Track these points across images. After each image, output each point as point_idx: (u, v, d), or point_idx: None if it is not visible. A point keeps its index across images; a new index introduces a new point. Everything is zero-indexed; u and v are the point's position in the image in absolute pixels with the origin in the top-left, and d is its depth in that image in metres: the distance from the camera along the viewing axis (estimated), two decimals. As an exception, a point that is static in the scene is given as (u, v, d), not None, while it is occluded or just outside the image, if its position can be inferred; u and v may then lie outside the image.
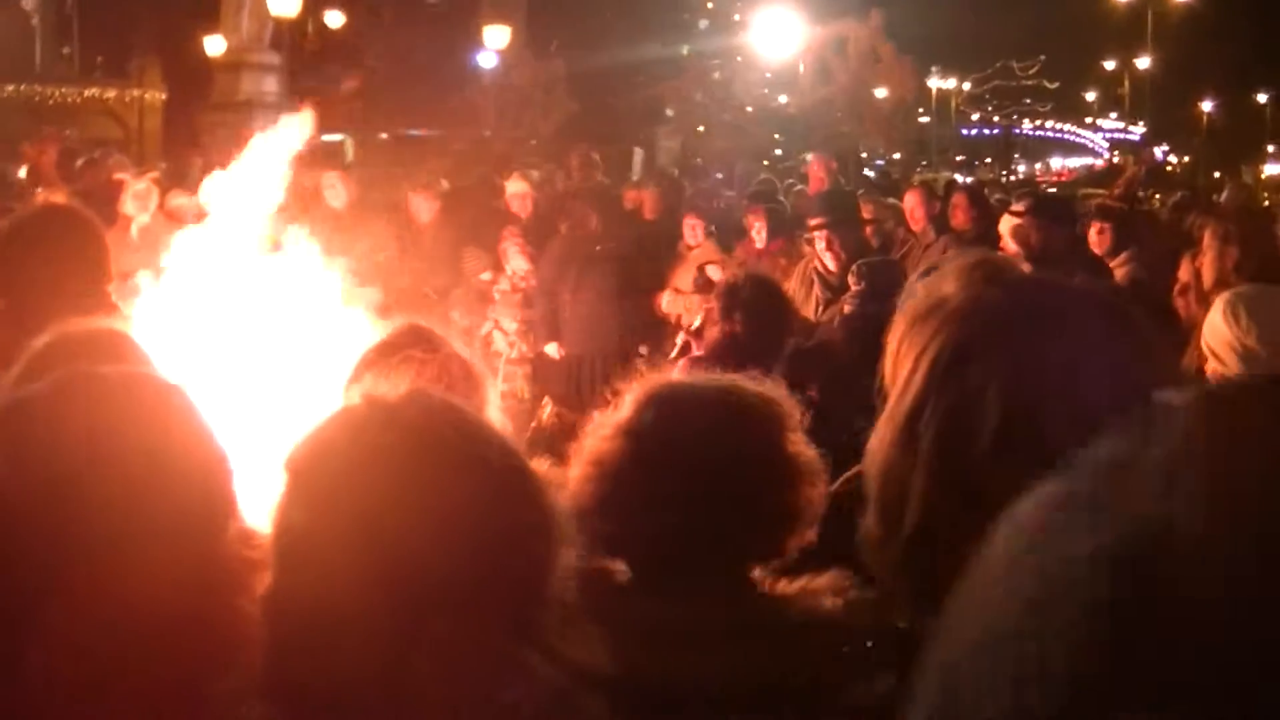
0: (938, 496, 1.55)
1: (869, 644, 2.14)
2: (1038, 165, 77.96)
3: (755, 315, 5.89)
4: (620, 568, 2.35)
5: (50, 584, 2.18)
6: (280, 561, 1.77)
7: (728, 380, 2.47)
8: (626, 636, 2.11)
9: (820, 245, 7.99)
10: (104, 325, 3.06)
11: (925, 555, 1.55)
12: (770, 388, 2.46)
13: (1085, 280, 2.15)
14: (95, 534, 2.08)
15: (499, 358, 10.72)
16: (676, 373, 2.56)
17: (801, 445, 2.41)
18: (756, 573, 2.37)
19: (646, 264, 10.97)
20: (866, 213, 9.61)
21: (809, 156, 16.36)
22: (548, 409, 4.33)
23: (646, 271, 10.88)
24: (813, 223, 8.24)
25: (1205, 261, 5.37)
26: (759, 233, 10.31)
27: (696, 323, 7.00)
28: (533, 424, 9.34)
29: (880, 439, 1.63)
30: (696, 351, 6.52)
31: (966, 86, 70.69)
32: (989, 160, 72.16)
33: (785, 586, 2.34)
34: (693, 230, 10.85)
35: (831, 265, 7.88)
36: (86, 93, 32.11)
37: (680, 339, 7.21)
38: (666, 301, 10.36)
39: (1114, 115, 78.81)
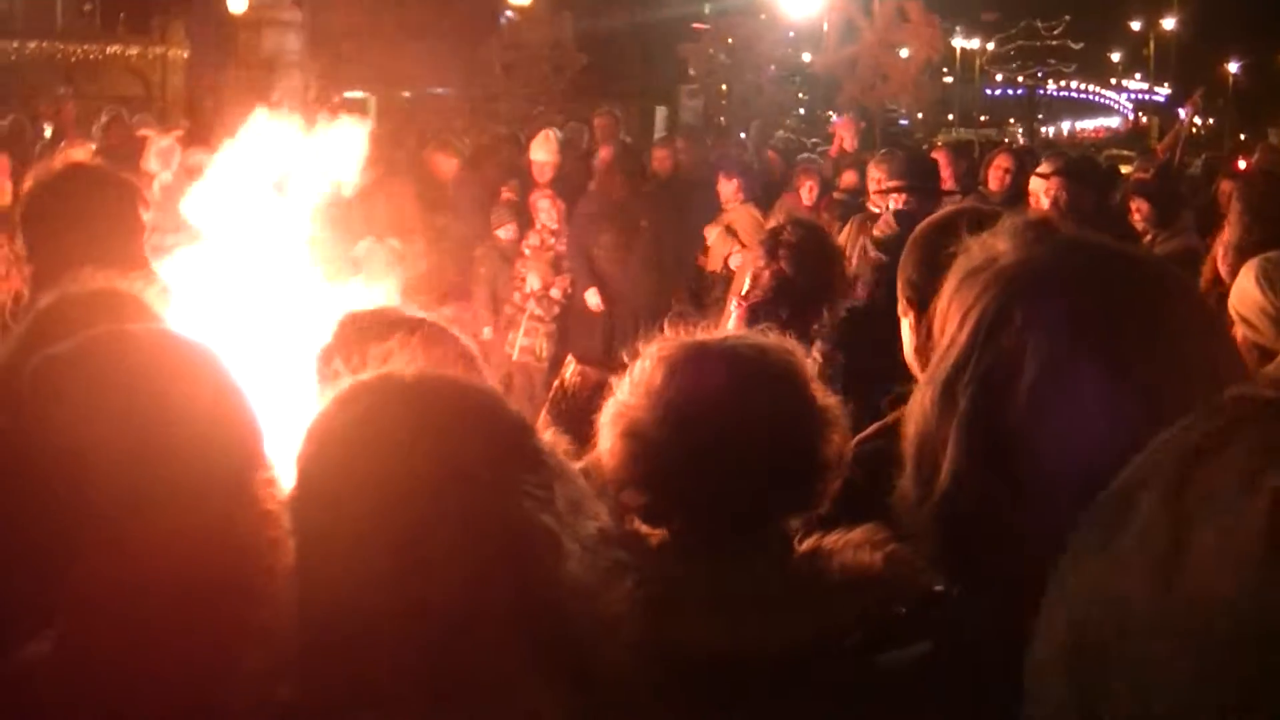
0: (968, 461, 1.53)
1: (903, 610, 2.11)
2: (1064, 126, 77.65)
3: (802, 255, 5.93)
4: (656, 533, 2.33)
5: (77, 545, 2.18)
6: (302, 537, 1.77)
7: (740, 337, 2.46)
8: (663, 599, 2.10)
9: (894, 206, 8.05)
10: (108, 285, 3.04)
11: (955, 519, 1.54)
12: (783, 339, 2.45)
13: (1138, 247, 2.11)
14: (124, 494, 2.07)
15: (522, 314, 10.74)
16: (734, 323, 2.55)
17: (823, 394, 2.41)
18: (794, 525, 2.35)
19: (677, 221, 11.00)
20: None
21: (834, 116, 16.32)
22: (571, 368, 4.33)
23: (677, 229, 10.91)
24: (890, 184, 8.27)
25: (1227, 224, 5.34)
26: (810, 191, 10.37)
27: (745, 288, 6.99)
28: (555, 383, 9.37)
29: (920, 399, 1.61)
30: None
31: (991, 46, 70.43)
32: (1012, 121, 71.86)
33: (823, 541, 2.33)
34: (732, 189, 10.87)
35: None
36: (109, 50, 32.13)
37: (734, 305, 7.23)
38: (714, 237, 10.41)
39: (1139, 76, 78.40)
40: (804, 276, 5.90)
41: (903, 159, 10.06)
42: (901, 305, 3.16)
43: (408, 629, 1.67)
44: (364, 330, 2.74)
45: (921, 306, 3.07)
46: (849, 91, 25.10)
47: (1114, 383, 1.49)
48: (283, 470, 1.89)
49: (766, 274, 6.17)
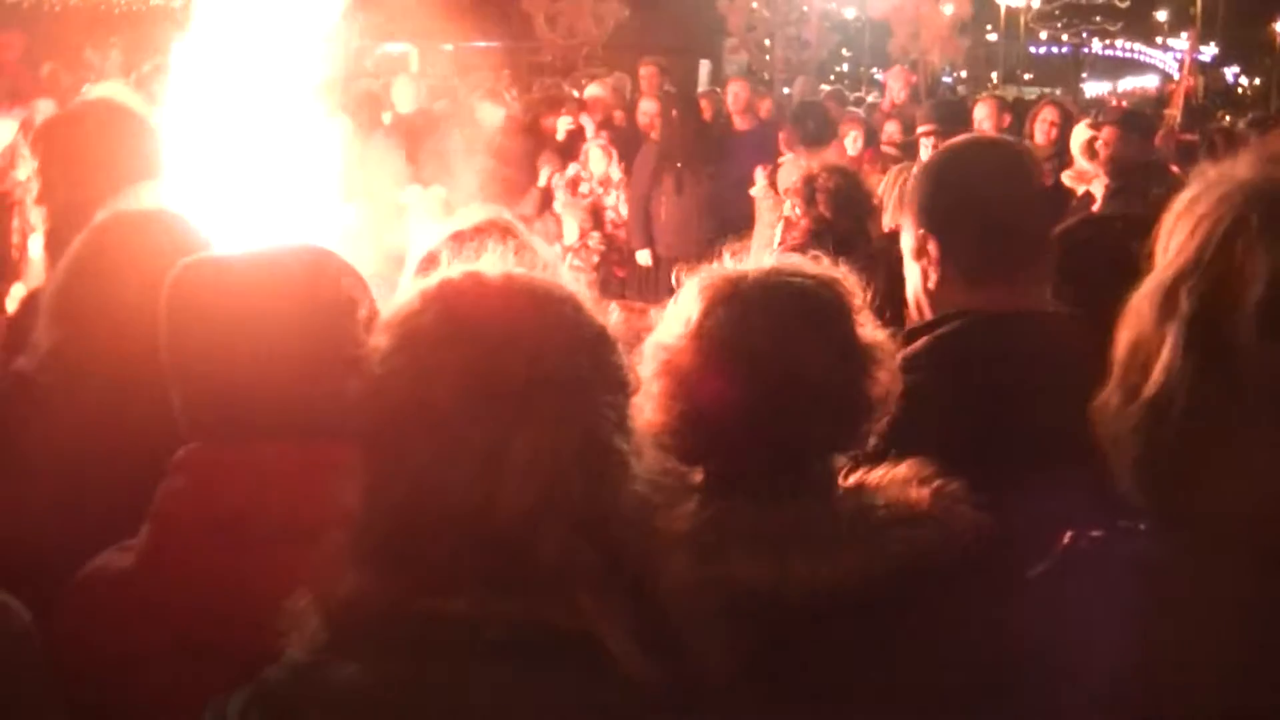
0: (1183, 361, 1.53)
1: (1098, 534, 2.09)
2: (1107, 85, 76.78)
3: (837, 198, 5.94)
4: (697, 473, 2.34)
5: (170, 461, 2.23)
6: (379, 428, 1.78)
7: (789, 266, 2.42)
8: (703, 537, 2.12)
9: (927, 154, 8.01)
10: (159, 207, 3.09)
11: (1159, 422, 1.54)
12: (831, 269, 2.43)
13: None
14: (241, 422, 2.20)
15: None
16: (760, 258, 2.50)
17: (870, 328, 2.40)
18: (839, 462, 2.36)
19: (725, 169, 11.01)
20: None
21: (876, 71, 16.26)
22: (615, 314, 4.37)
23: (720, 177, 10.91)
24: (922, 129, 8.24)
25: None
26: (855, 141, 10.34)
27: (776, 238, 7.01)
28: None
29: (1137, 304, 1.62)
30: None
31: (1036, 4, 69.67)
32: (1056, 82, 71.11)
33: (868, 477, 2.33)
34: (786, 142, 10.87)
35: None
36: (153, 1, 32.13)
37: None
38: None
39: (1185, 35, 77.36)
40: (840, 221, 5.94)
41: (933, 104, 10.04)
42: (915, 242, 3.10)
43: (476, 524, 1.69)
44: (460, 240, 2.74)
45: (941, 234, 3.04)
46: (899, 40, 24.92)
47: None
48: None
49: (804, 220, 6.20)
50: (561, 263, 2.28)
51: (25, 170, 9.30)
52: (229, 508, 2.19)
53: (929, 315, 3.04)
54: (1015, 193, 3.09)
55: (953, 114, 8.96)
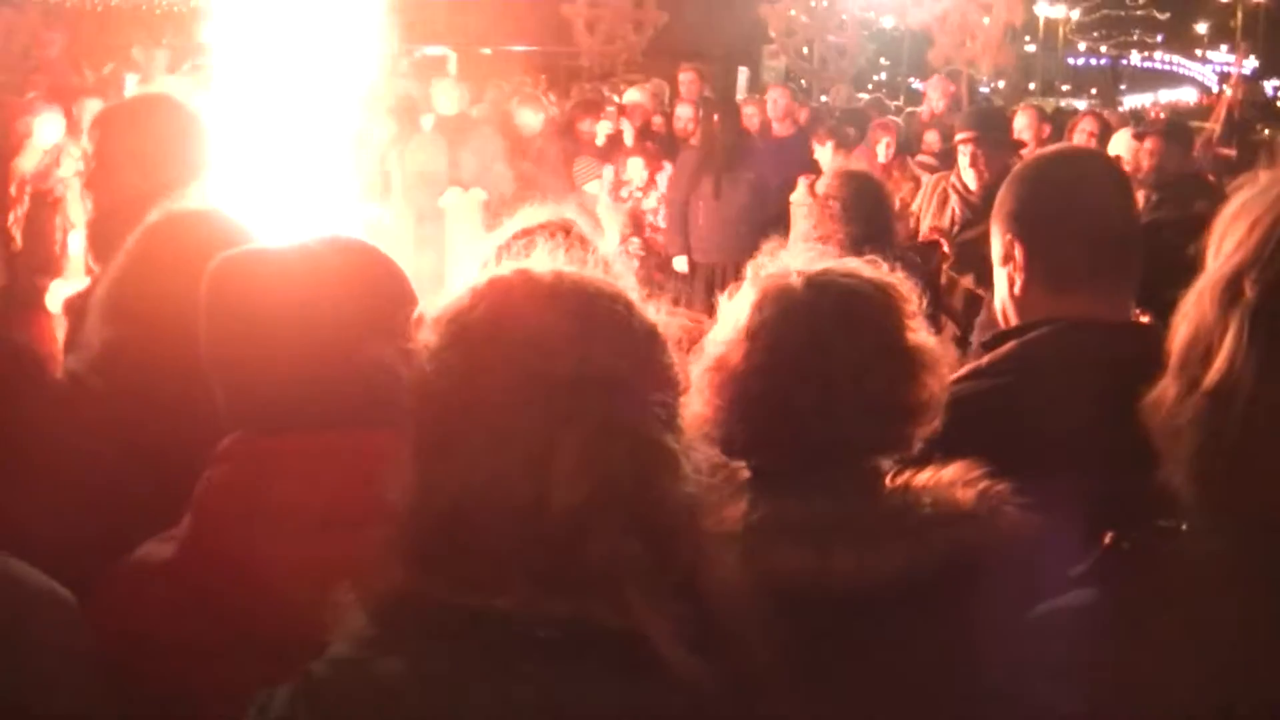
0: (1249, 352, 1.53)
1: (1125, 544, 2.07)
2: (1146, 98, 76.52)
3: (848, 206, 5.98)
4: (743, 470, 2.35)
5: (212, 452, 2.24)
6: (428, 426, 1.78)
7: (844, 269, 2.45)
8: (753, 537, 2.12)
9: (964, 160, 7.94)
10: (210, 206, 3.11)
11: (1220, 412, 1.53)
12: (887, 274, 2.44)
13: None
14: (280, 413, 2.21)
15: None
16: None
17: (922, 333, 2.41)
18: (885, 464, 2.36)
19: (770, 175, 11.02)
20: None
21: (914, 80, 16.25)
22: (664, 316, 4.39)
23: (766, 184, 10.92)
24: (960, 136, 8.19)
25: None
26: (888, 147, 10.32)
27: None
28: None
29: (1196, 299, 1.61)
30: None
31: (1075, 15, 69.46)
32: (1094, 91, 70.86)
33: (914, 479, 2.33)
34: (829, 153, 10.88)
35: (973, 183, 7.82)
36: (192, 2, 32.28)
37: None
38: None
39: (1225, 48, 77.01)
40: (855, 226, 5.96)
41: (971, 111, 10.01)
42: (1002, 248, 3.10)
43: (525, 521, 1.69)
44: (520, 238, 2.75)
45: (1028, 240, 3.04)
46: (941, 49, 24.81)
47: None
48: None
49: (819, 228, 6.24)
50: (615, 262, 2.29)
51: (70, 167, 9.35)
52: (271, 498, 2.19)
53: (1015, 321, 3.06)
54: (1103, 201, 3.09)
55: (991, 121, 8.91)
